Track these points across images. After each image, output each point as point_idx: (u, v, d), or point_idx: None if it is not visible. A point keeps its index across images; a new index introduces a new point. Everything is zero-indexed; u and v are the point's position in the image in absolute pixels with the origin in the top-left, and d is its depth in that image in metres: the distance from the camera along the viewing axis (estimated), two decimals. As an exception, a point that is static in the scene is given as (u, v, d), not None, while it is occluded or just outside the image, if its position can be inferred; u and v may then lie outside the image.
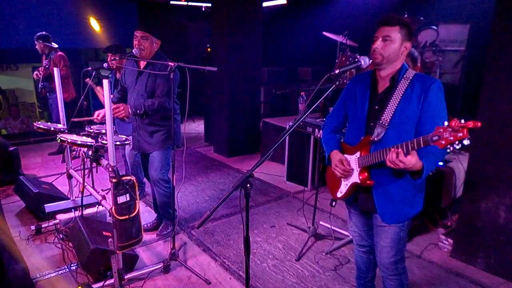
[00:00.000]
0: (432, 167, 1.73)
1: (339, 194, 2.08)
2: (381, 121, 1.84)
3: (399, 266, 2.05)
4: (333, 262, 3.06)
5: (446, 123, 1.44)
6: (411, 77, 1.84)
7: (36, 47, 5.35)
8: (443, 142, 1.44)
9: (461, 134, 1.39)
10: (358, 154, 1.93)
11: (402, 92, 1.82)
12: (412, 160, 1.61)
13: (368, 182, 1.89)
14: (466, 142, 1.40)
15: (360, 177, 1.91)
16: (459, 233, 3.08)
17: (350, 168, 1.95)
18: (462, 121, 1.39)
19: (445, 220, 3.47)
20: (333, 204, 2.29)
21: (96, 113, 3.04)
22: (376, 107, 1.90)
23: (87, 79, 4.08)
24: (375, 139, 1.84)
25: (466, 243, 3.01)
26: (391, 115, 1.82)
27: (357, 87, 2.02)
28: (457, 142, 1.41)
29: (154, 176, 3.19)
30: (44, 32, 5.33)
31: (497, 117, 2.68)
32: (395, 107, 1.82)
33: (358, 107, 1.97)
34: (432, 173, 3.42)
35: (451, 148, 1.43)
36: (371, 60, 1.93)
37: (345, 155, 2.00)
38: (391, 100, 1.83)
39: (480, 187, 2.87)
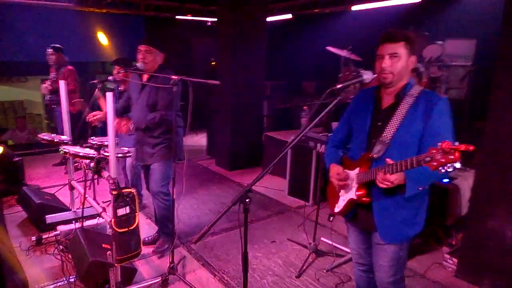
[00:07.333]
0: (418, 182, 1.69)
1: (336, 209, 2.06)
2: (381, 138, 1.81)
3: (397, 287, 1.99)
4: (334, 279, 3.00)
5: (439, 144, 1.39)
6: (416, 94, 1.81)
7: (50, 57, 5.29)
8: (435, 163, 1.39)
9: (452, 157, 1.35)
10: (357, 170, 1.91)
11: (406, 110, 1.79)
12: (399, 177, 1.64)
13: (363, 199, 1.86)
14: (457, 165, 1.36)
15: (357, 194, 1.88)
16: (464, 252, 3.02)
17: (345, 183, 1.93)
18: (456, 143, 1.35)
19: (449, 239, 3.40)
20: (331, 219, 2.26)
21: (91, 114, 3.12)
22: (379, 123, 1.88)
23: (96, 91, 4.08)
24: (375, 156, 1.82)
25: (471, 263, 2.95)
26: (392, 132, 1.79)
27: (361, 102, 2.01)
28: (448, 165, 1.37)
29: (154, 188, 3.18)
30: (58, 45, 5.33)
31: (505, 132, 2.64)
32: (397, 125, 1.79)
33: (361, 123, 1.95)
34: (438, 186, 3.38)
35: (442, 171, 1.38)
36: (375, 75, 1.91)
37: (346, 170, 1.98)
38: (394, 117, 1.81)
39: (486, 205, 2.81)
